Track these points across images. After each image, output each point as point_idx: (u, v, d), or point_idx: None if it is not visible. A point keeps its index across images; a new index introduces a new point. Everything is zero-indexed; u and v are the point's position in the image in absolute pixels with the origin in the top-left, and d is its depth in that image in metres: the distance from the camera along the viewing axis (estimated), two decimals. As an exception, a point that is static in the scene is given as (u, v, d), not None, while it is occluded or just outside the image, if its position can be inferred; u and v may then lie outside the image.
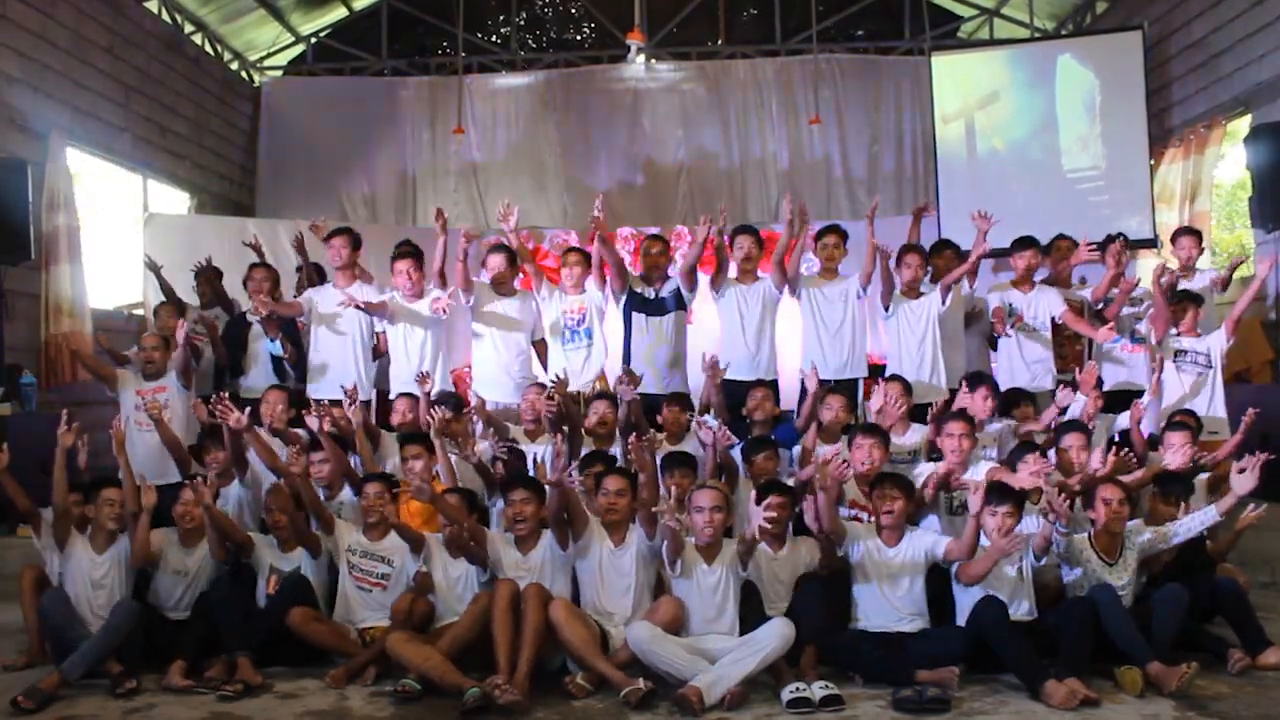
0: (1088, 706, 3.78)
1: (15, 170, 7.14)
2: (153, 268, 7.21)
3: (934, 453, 5.17)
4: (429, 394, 5.65)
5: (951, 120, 10.07)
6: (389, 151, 12.17)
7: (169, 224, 9.43)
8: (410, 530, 4.66)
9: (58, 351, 7.69)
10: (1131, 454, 5.10)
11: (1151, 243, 8.92)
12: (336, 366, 6.18)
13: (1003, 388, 5.74)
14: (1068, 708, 3.76)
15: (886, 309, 6.11)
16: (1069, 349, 6.58)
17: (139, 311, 9.00)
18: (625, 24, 11.37)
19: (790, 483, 4.78)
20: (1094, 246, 6.40)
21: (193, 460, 5.36)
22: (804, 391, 5.60)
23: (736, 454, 5.16)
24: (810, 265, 6.77)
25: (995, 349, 6.54)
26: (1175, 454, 5.08)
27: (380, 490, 4.70)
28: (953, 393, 5.68)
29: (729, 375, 5.78)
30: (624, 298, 6.23)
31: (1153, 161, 9.32)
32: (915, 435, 5.42)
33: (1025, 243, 6.34)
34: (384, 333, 6.50)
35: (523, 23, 13.22)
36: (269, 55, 12.44)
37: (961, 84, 10.11)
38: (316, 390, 6.15)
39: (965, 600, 4.31)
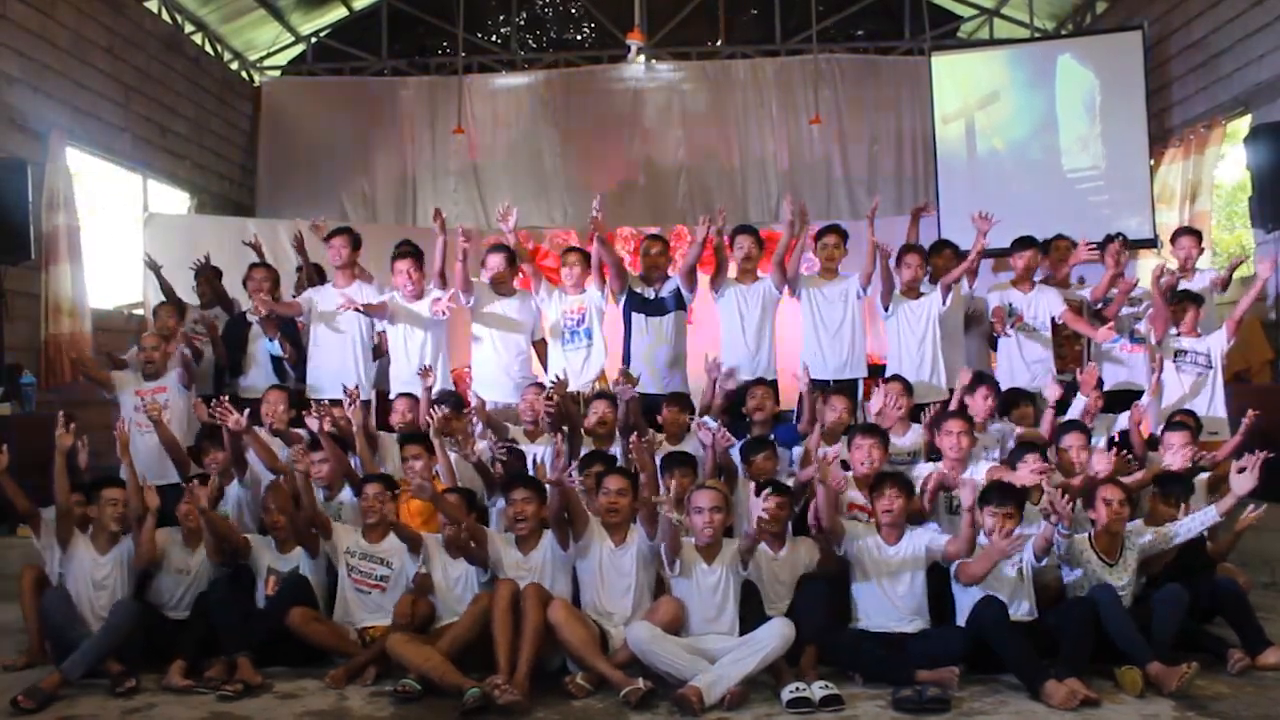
0: (1088, 707, 3.78)
1: (15, 170, 7.15)
2: (152, 267, 7.20)
3: (934, 453, 5.17)
4: (430, 388, 5.65)
5: (951, 120, 10.07)
6: (389, 151, 12.17)
7: (169, 224, 9.45)
8: (408, 530, 4.65)
9: (57, 351, 7.70)
10: (1131, 455, 5.11)
11: (1151, 243, 8.93)
12: (336, 366, 6.18)
13: (1003, 388, 5.74)
14: (1068, 708, 3.76)
15: (886, 309, 6.11)
16: (1068, 349, 6.58)
17: (139, 311, 9.01)
18: (625, 24, 11.37)
19: (790, 483, 4.78)
20: (1093, 246, 6.40)
21: (191, 461, 5.36)
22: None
23: (736, 454, 5.15)
24: (810, 265, 6.76)
25: (995, 349, 6.54)
26: (1175, 454, 5.08)
27: (380, 490, 4.70)
28: (951, 392, 5.69)
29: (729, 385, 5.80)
30: (623, 298, 6.22)
31: (1152, 161, 9.32)
32: (914, 436, 5.42)
33: (1025, 242, 6.34)
34: (384, 332, 6.50)
35: (523, 23, 13.22)
36: (269, 55, 12.45)
37: (961, 84, 10.11)
38: (316, 390, 6.15)
39: (965, 600, 4.31)
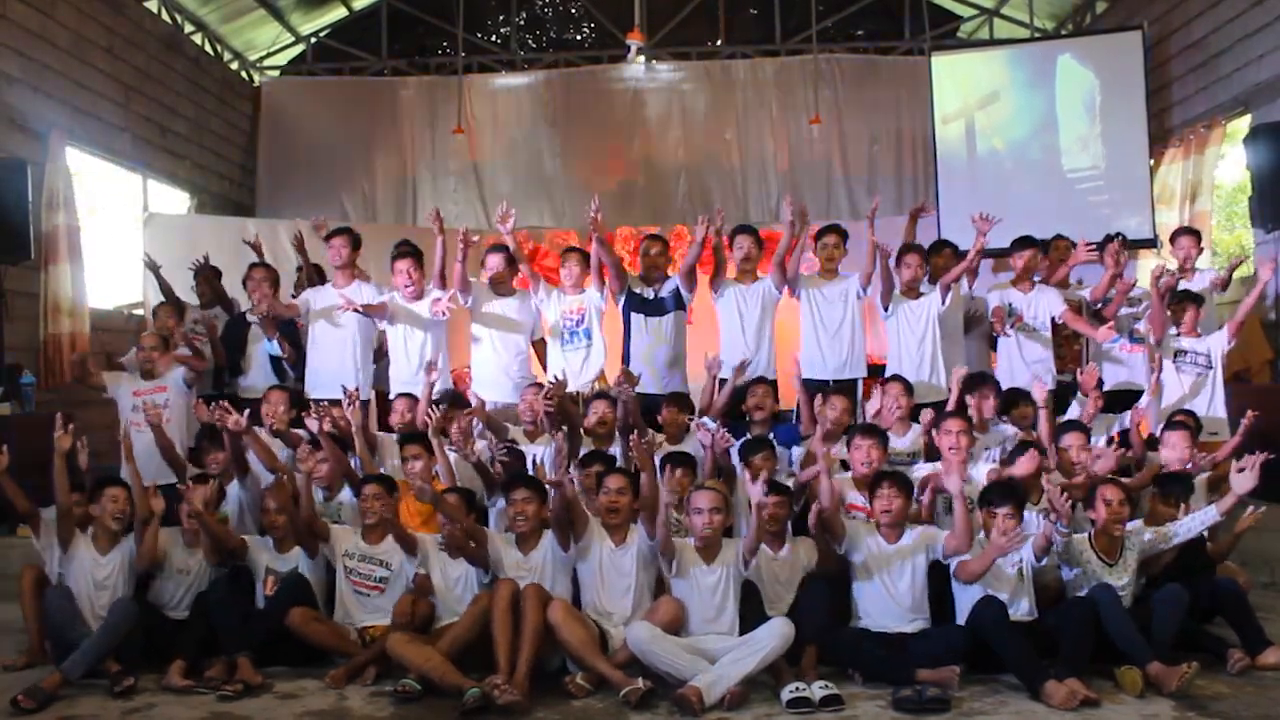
0: (1088, 707, 3.78)
1: (15, 170, 7.15)
2: (152, 267, 7.20)
3: (933, 454, 5.17)
4: (433, 384, 5.65)
5: (951, 120, 10.08)
6: (389, 151, 12.19)
7: (169, 224, 9.45)
8: (405, 532, 4.64)
9: (56, 351, 7.70)
10: (1129, 452, 5.11)
11: (1151, 243, 8.93)
12: (334, 367, 6.17)
13: (1003, 387, 5.73)
14: (1068, 708, 3.76)
15: (886, 309, 6.11)
16: (1068, 349, 6.58)
17: (139, 311, 9.00)
18: (625, 24, 11.37)
19: (790, 484, 4.78)
20: (1092, 247, 6.39)
21: (188, 464, 5.37)
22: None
23: (735, 455, 5.15)
24: (809, 265, 6.76)
25: (995, 349, 6.54)
26: (1173, 452, 5.08)
27: (379, 491, 4.70)
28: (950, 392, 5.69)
29: (725, 375, 5.79)
30: (623, 298, 6.22)
31: (1152, 161, 9.32)
32: (914, 437, 5.41)
33: (1025, 242, 6.33)
34: (385, 332, 6.49)
35: (522, 23, 13.23)
36: (269, 55, 12.46)
37: (961, 84, 10.12)
38: (315, 390, 6.14)
39: (965, 600, 4.31)
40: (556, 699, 3.99)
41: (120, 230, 9.56)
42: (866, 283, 6.12)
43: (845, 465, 5.02)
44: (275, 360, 6.46)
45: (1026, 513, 4.42)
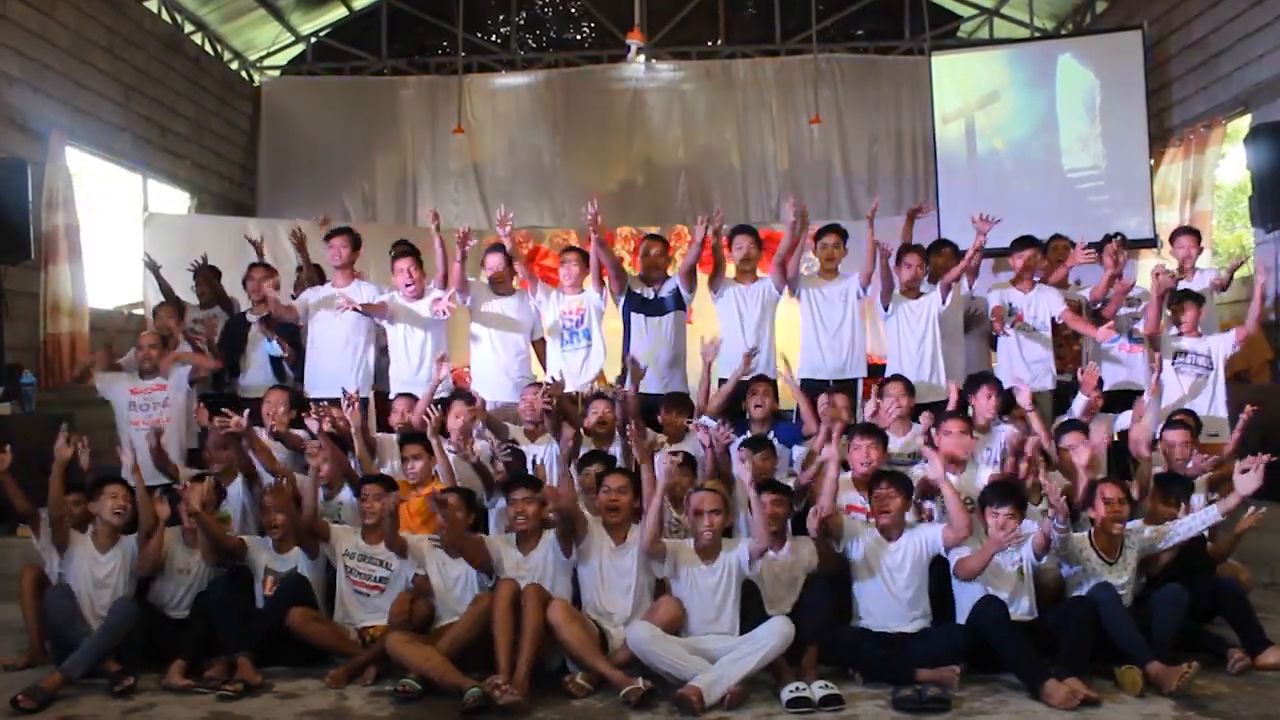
0: (1088, 706, 3.78)
1: (15, 170, 7.15)
2: (152, 267, 7.21)
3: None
4: (439, 382, 5.65)
5: (951, 120, 10.07)
6: (389, 151, 12.19)
7: (169, 224, 9.46)
8: (397, 536, 4.62)
9: (56, 351, 7.70)
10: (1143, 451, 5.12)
11: (1151, 243, 8.93)
12: (334, 367, 6.17)
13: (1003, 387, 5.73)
14: (1068, 707, 3.76)
15: (886, 309, 6.10)
16: (1068, 349, 6.57)
17: (139, 311, 9.00)
18: (625, 23, 11.37)
19: (790, 484, 4.78)
20: (1090, 250, 6.38)
21: (179, 469, 5.38)
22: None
23: (734, 455, 5.15)
24: (810, 265, 6.76)
25: (995, 349, 6.53)
26: (1173, 452, 5.08)
27: (379, 491, 4.70)
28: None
29: (725, 375, 5.78)
30: (623, 298, 6.22)
31: (1153, 161, 9.32)
32: (914, 437, 5.40)
33: (1025, 242, 6.33)
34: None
35: (522, 22, 13.23)
36: (269, 55, 12.45)
37: (961, 84, 10.11)
38: (314, 390, 6.14)
39: (965, 598, 4.31)
40: (556, 699, 3.99)
41: (120, 230, 9.56)
42: (866, 282, 6.11)
43: (845, 465, 5.01)
44: (275, 360, 6.46)
45: (1026, 521, 4.43)
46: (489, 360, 6.22)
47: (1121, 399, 5.84)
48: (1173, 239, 6.69)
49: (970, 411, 5.38)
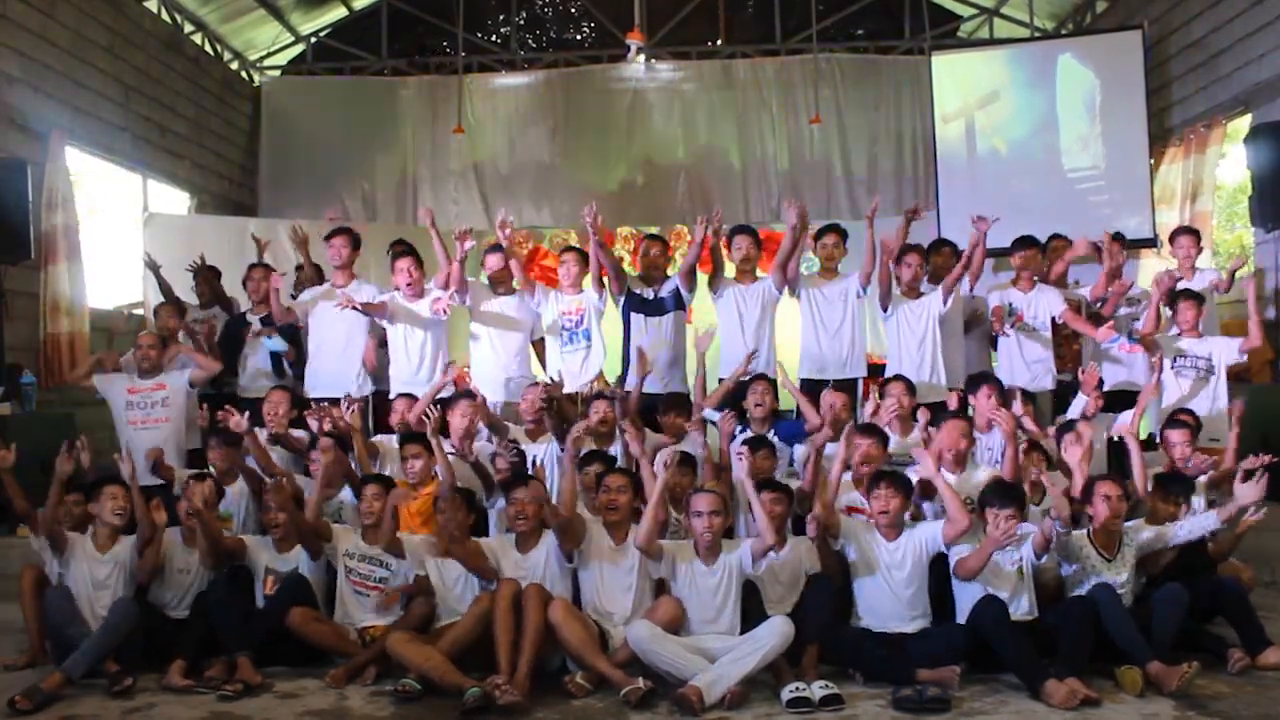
0: (1088, 706, 3.78)
1: (15, 170, 7.15)
2: (152, 266, 7.21)
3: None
4: (446, 384, 5.65)
5: (951, 120, 10.08)
6: (389, 151, 12.19)
7: (169, 224, 9.46)
8: (395, 539, 4.61)
9: (55, 351, 7.70)
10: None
11: (1151, 242, 8.93)
12: (335, 367, 6.17)
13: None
14: (1068, 707, 3.76)
15: (885, 310, 6.10)
16: (1067, 349, 6.57)
17: (139, 311, 9.00)
18: (625, 23, 11.36)
19: (793, 484, 4.78)
20: (1092, 243, 6.37)
21: (175, 469, 5.38)
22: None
23: (734, 456, 5.14)
24: (810, 265, 6.76)
25: (995, 349, 6.53)
26: (1173, 451, 5.08)
27: (378, 491, 4.70)
28: (951, 392, 5.68)
29: (725, 375, 5.78)
30: (622, 298, 6.22)
31: (1153, 161, 9.32)
32: (915, 438, 5.40)
33: (1025, 242, 6.33)
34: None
35: (523, 22, 13.23)
36: (269, 55, 12.45)
37: (961, 83, 10.12)
38: (315, 390, 6.15)
39: (965, 598, 4.31)
40: (557, 698, 3.99)
41: (120, 230, 9.56)
42: (866, 283, 6.11)
43: (846, 465, 5.00)
44: (275, 357, 6.44)
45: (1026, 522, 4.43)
46: (489, 360, 6.22)
47: (1122, 399, 5.84)
48: (1173, 239, 6.69)
49: (970, 412, 5.38)
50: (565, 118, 11.99)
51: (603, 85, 12.20)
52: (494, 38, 13.14)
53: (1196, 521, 4.49)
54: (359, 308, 6.05)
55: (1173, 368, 5.87)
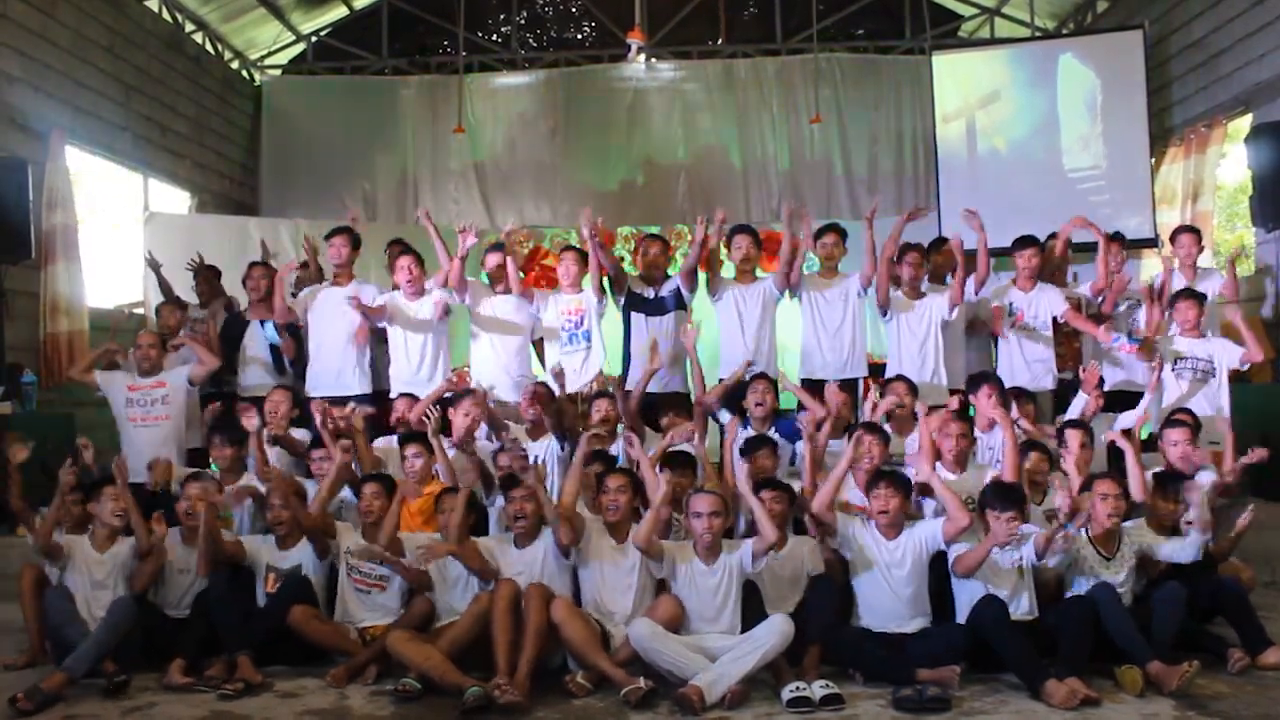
0: (1088, 706, 3.78)
1: (15, 169, 7.15)
2: (153, 265, 7.21)
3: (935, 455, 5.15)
4: (450, 388, 5.65)
5: (952, 119, 10.08)
6: (389, 151, 12.19)
7: (170, 223, 9.45)
8: (395, 538, 4.61)
9: (55, 351, 7.70)
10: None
11: (1152, 242, 8.93)
12: (335, 366, 6.17)
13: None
14: (1068, 707, 3.76)
15: (884, 314, 6.09)
16: (1068, 347, 6.57)
17: (139, 311, 9.00)
18: (626, 23, 11.36)
19: (795, 485, 4.78)
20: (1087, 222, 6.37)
21: (174, 466, 5.38)
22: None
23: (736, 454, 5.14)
24: (810, 264, 6.75)
25: (996, 347, 6.52)
26: (1174, 450, 5.07)
27: (378, 490, 4.70)
28: (952, 393, 5.68)
29: (725, 375, 5.78)
30: (622, 299, 6.21)
31: (1154, 161, 9.32)
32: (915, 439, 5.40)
33: (1026, 242, 6.32)
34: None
35: (523, 22, 13.22)
36: (269, 54, 12.45)
37: (962, 83, 10.12)
38: (315, 390, 6.14)
39: (964, 597, 4.31)
40: (557, 698, 3.99)
41: (121, 230, 9.56)
42: (867, 285, 6.11)
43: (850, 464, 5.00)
44: (274, 350, 6.42)
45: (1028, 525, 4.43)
46: (489, 359, 6.21)
47: (1122, 399, 5.83)
48: (1173, 238, 6.68)
49: (972, 412, 5.38)
50: (565, 117, 11.99)
51: (603, 85, 12.21)
52: (494, 37, 13.15)
53: (1183, 549, 4.44)
54: (365, 313, 6.03)
55: (1173, 369, 5.85)
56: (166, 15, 10.33)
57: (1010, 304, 6.23)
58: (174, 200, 10.46)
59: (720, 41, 12.53)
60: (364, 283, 6.37)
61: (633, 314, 6.18)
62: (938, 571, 4.46)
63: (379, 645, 4.29)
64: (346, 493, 5.15)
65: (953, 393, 5.73)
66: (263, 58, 12.39)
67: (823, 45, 11.82)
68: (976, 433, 5.28)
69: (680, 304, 6.18)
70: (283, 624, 4.37)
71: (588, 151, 12.00)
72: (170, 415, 5.70)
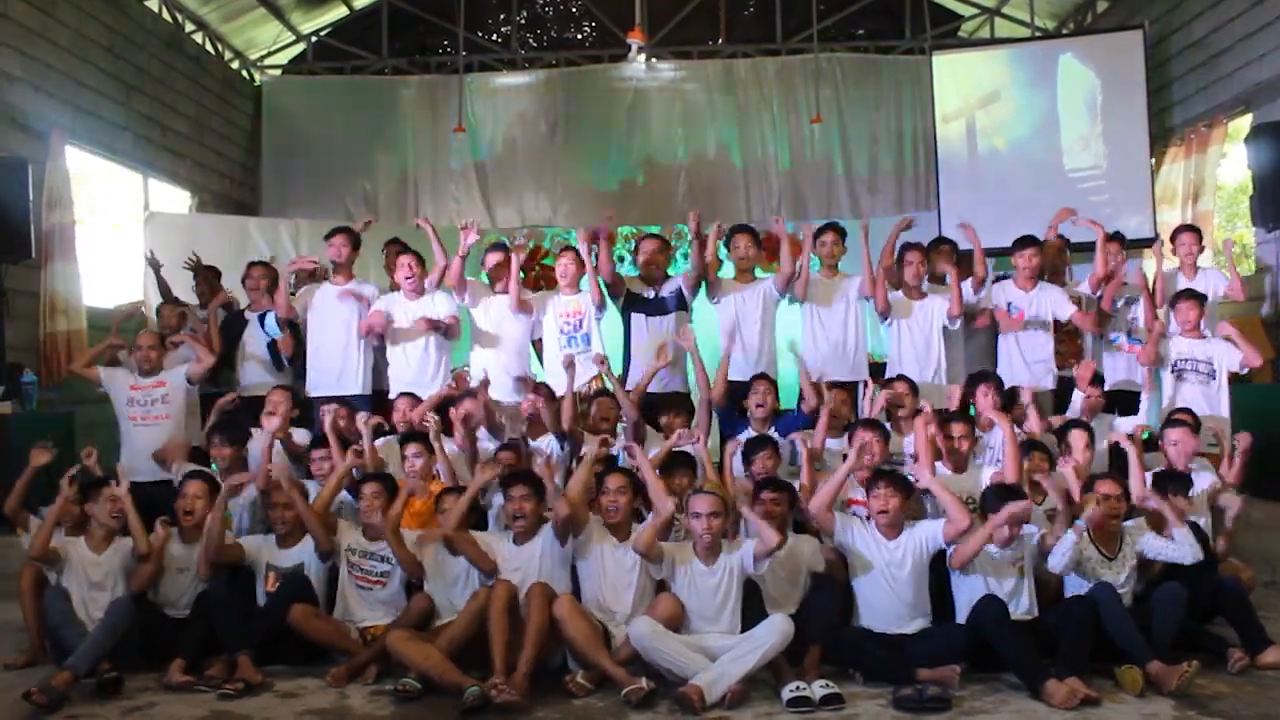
0: (1088, 706, 3.78)
1: (15, 169, 7.15)
2: (153, 265, 7.21)
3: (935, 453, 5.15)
4: (452, 390, 5.65)
5: (952, 119, 10.07)
6: (389, 151, 12.19)
7: (170, 223, 9.45)
8: (398, 539, 4.62)
9: (55, 350, 7.70)
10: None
11: (1152, 242, 8.92)
12: (336, 366, 6.17)
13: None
14: (1068, 707, 3.76)
15: (884, 319, 6.09)
16: (1069, 345, 6.57)
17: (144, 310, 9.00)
18: (626, 23, 11.36)
19: (795, 484, 4.78)
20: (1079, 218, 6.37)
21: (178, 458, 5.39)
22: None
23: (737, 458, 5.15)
24: (810, 264, 6.74)
25: (996, 347, 6.52)
26: (1174, 449, 5.07)
27: (378, 489, 4.70)
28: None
29: (732, 375, 5.78)
30: (621, 300, 6.21)
31: (1154, 161, 9.32)
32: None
33: (1026, 242, 6.32)
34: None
35: (523, 21, 13.22)
36: (270, 54, 12.45)
37: (962, 83, 10.11)
38: (315, 390, 6.14)
39: (964, 596, 4.31)
40: (557, 698, 3.99)
41: (121, 230, 9.56)
42: (868, 295, 6.09)
43: (844, 458, 5.00)
44: (272, 348, 6.40)
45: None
46: (489, 359, 6.20)
47: (1122, 398, 5.83)
48: (1174, 237, 6.68)
49: (972, 411, 5.37)
50: (566, 117, 11.99)
51: (603, 85, 12.20)
52: (495, 37, 13.14)
53: (1178, 554, 4.44)
54: (367, 308, 6.02)
55: (1174, 370, 5.84)
56: (166, 15, 10.33)
57: (1009, 304, 6.22)
58: (174, 200, 10.46)
59: (720, 41, 12.53)
60: (364, 282, 6.37)
61: (633, 314, 6.17)
62: (938, 571, 4.46)
63: (379, 645, 4.29)
64: (345, 494, 5.15)
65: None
66: (263, 58, 12.39)
67: (823, 45, 11.81)
68: (977, 432, 5.28)
69: (681, 304, 6.17)
70: (283, 623, 4.37)
71: (588, 151, 12.00)
72: (170, 415, 5.69)
